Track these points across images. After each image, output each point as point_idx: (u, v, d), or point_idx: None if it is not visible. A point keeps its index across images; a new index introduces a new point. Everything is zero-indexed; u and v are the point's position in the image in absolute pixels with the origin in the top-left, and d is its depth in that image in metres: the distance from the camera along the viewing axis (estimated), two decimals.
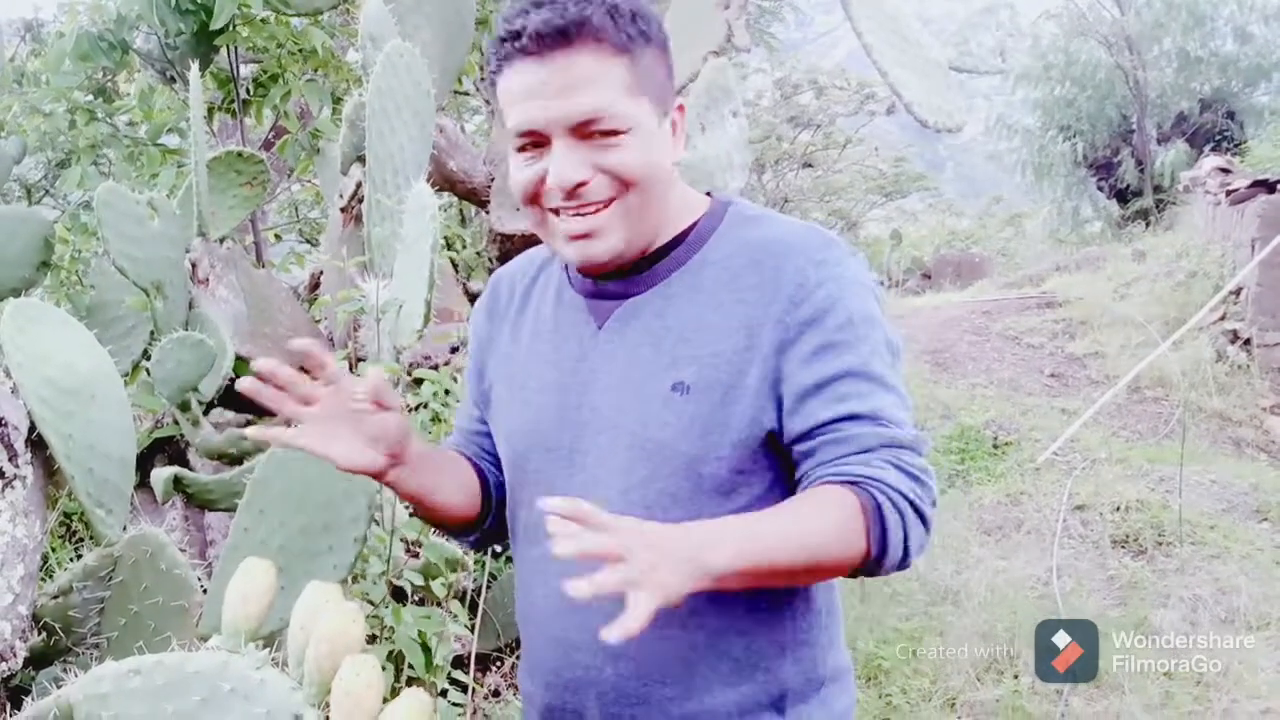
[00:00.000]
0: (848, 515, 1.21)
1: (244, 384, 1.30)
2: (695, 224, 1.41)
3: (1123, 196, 18.38)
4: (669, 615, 1.30)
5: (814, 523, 1.21)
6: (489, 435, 1.59)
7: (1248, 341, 8.24)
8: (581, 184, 1.30)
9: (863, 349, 1.30)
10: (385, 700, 1.09)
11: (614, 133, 1.30)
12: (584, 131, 1.29)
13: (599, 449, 1.39)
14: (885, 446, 1.26)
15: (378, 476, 1.41)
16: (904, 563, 1.26)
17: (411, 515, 2.43)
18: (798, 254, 1.33)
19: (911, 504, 1.24)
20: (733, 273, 1.35)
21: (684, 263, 1.39)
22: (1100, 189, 19.13)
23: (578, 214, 1.33)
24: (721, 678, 1.36)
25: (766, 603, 1.36)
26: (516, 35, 1.29)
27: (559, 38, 1.27)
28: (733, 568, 1.14)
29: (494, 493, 1.58)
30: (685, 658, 1.36)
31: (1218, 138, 17.34)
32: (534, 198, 1.35)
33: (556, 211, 1.34)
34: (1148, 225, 15.94)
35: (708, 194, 1.48)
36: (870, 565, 1.25)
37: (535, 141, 1.32)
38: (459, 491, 1.54)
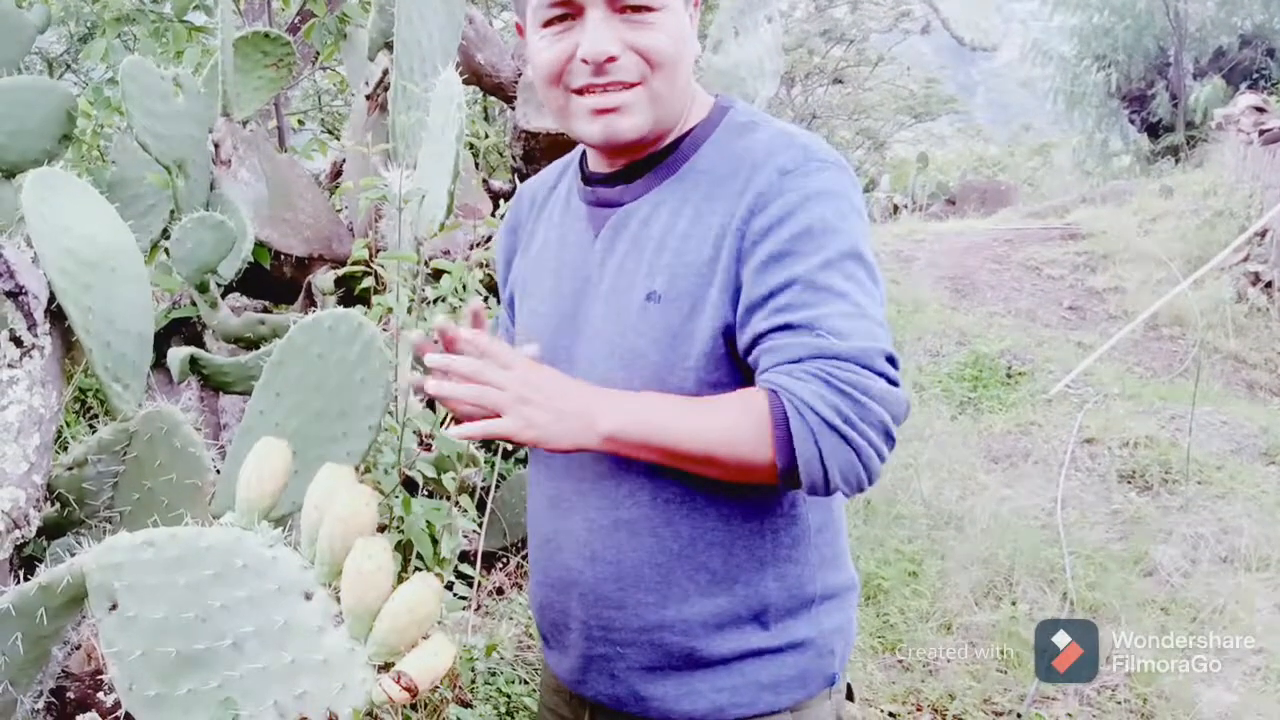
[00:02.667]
0: (754, 418, 1.20)
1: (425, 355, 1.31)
2: (692, 130, 1.41)
3: (1154, 131, 18.14)
4: (643, 522, 1.36)
5: (717, 417, 1.22)
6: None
7: (1269, 284, 8.18)
8: (612, 59, 1.29)
9: (814, 259, 1.24)
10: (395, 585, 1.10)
11: (648, 9, 1.29)
12: (619, 4, 1.29)
13: (587, 356, 1.40)
14: (815, 358, 1.20)
15: None
16: (827, 484, 1.19)
17: (425, 407, 2.44)
18: (768, 163, 1.31)
19: (828, 421, 1.17)
20: (714, 181, 1.35)
21: (675, 170, 1.39)
22: (1132, 122, 18.89)
23: (605, 91, 1.32)
24: (699, 588, 1.37)
25: (741, 515, 1.37)
26: None
27: None
28: (621, 433, 1.21)
29: None
30: (661, 565, 1.37)
31: (1255, 76, 17.06)
32: (558, 77, 1.34)
33: (581, 92, 1.33)
34: (1177, 161, 15.76)
35: (715, 97, 1.47)
36: (786, 478, 1.21)
37: (565, 14, 1.31)
38: None
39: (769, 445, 1.19)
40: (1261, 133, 8.92)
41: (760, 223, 1.27)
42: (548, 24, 1.33)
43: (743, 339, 1.27)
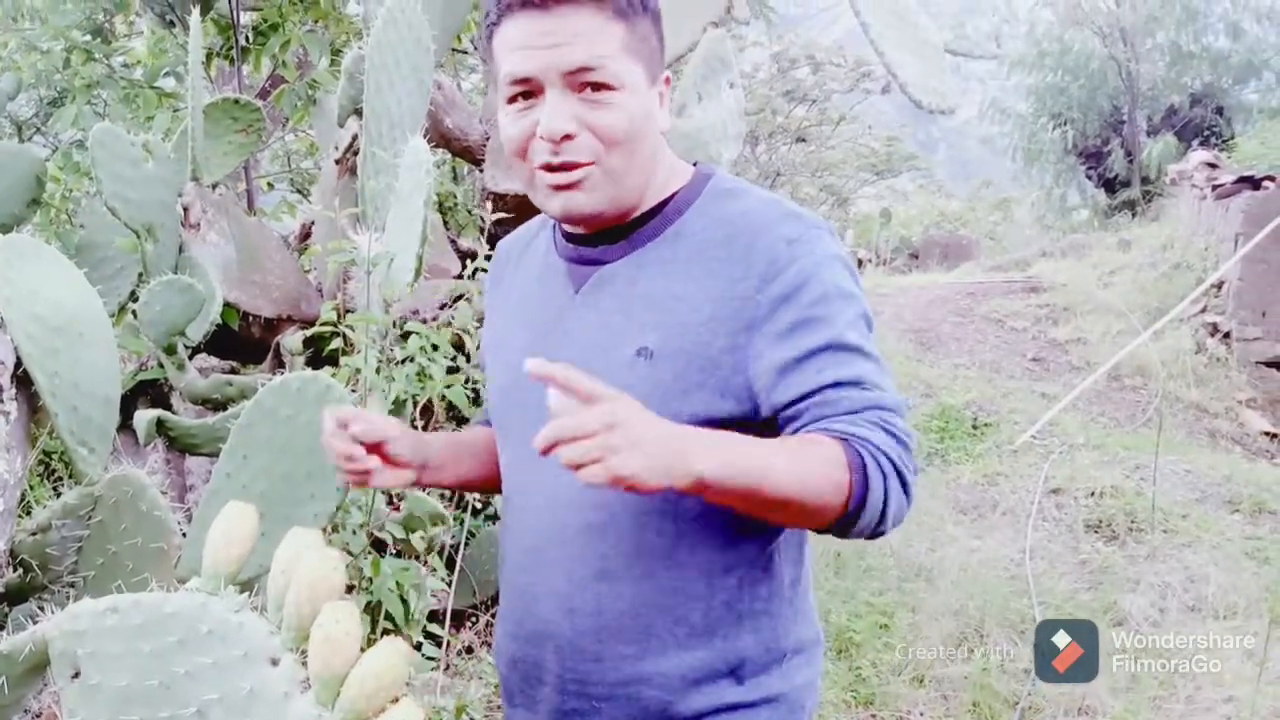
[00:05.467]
0: (832, 464, 1.21)
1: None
2: (675, 194, 1.43)
3: (1110, 186, 18.47)
4: (624, 573, 1.37)
5: (801, 461, 1.22)
6: None
7: (1227, 335, 8.31)
8: (568, 137, 1.32)
9: (838, 322, 1.31)
10: (362, 649, 1.09)
11: (606, 88, 1.32)
12: (577, 83, 1.31)
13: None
14: (871, 408, 1.27)
15: (416, 484, 1.59)
16: (878, 528, 1.25)
17: None
18: (769, 231, 1.34)
19: (896, 468, 1.24)
20: (705, 245, 1.37)
21: (660, 233, 1.41)
22: (1089, 177, 19.24)
23: (563, 169, 1.34)
24: (677, 642, 1.38)
25: (722, 568, 1.38)
26: None
27: None
28: (716, 475, 1.16)
29: None
30: (641, 617, 1.38)
31: (1206, 132, 17.44)
32: (523, 152, 1.37)
33: (543, 168, 1.35)
34: (1134, 215, 16.03)
35: (694, 164, 1.49)
36: (843, 523, 1.24)
37: (527, 92, 1.34)
38: (493, 468, 1.61)
39: (844, 489, 1.21)
40: (1214, 188, 9.10)
41: (776, 290, 1.31)
42: (511, 100, 1.35)
43: (778, 396, 1.30)
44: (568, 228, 1.48)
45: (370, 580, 2.38)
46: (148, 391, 3.22)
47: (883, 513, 1.24)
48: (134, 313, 2.83)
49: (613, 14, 1.32)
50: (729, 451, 1.20)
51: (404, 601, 2.44)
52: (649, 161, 1.40)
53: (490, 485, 1.67)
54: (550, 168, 1.34)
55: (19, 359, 1.84)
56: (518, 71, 1.32)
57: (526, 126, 1.34)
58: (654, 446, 1.15)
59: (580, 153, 1.33)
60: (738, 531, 1.38)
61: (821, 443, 1.24)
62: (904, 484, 1.25)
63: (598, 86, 1.31)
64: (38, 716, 1.98)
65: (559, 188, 1.35)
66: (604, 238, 1.43)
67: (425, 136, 2.38)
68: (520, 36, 1.32)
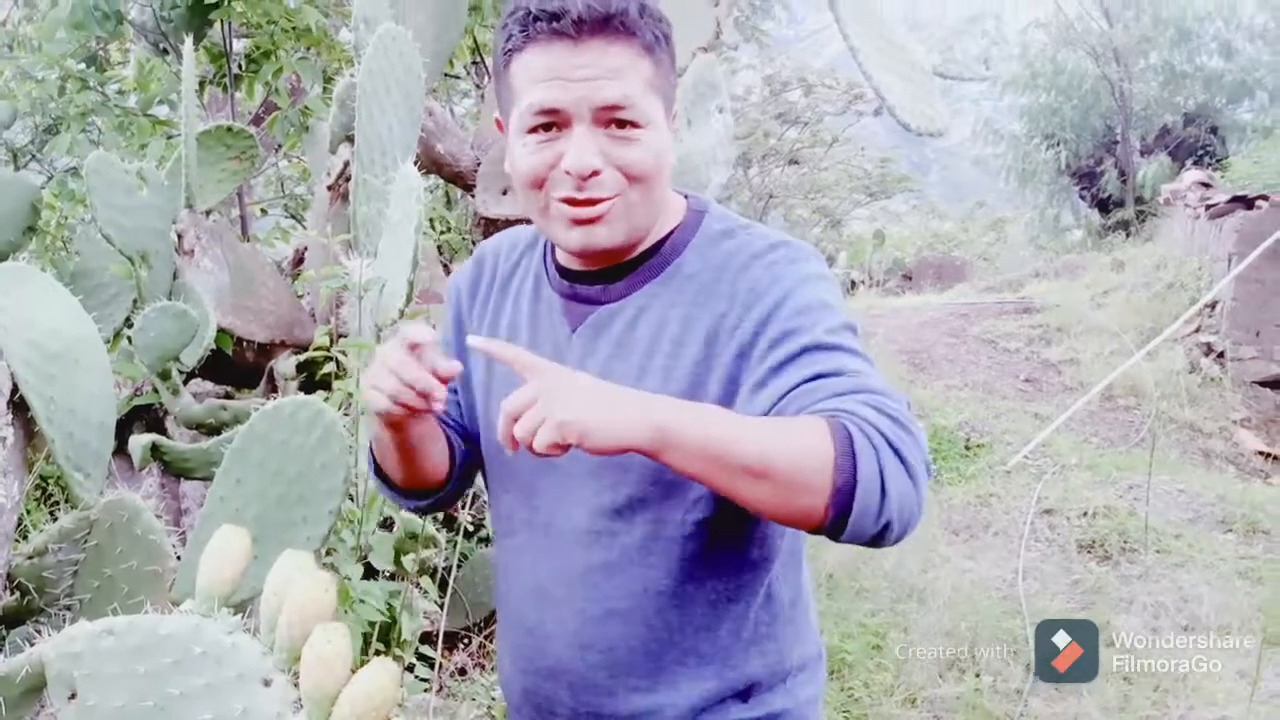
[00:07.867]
0: (814, 434, 1.13)
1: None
2: (671, 233, 1.41)
3: (1104, 206, 18.50)
4: (635, 612, 1.38)
5: (776, 428, 1.16)
6: (457, 404, 1.58)
7: (1221, 354, 8.33)
8: (595, 173, 1.29)
9: (817, 329, 1.27)
10: (354, 670, 1.11)
11: (633, 125, 1.30)
12: (606, 119, 1.29)
13: (570, 453, 1.39)
14: (858, 391, 1.19)
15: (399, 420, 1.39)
16: (880, 519, 1.12)
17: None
18: (754, 261, 1.34)
19: (890, 443, 1.13)
20: (700, 287, 1.36)
21: (657, 274, 1.39)
22: (1082, 198, 19.28)
23: (587, 204, 1.31)
24: (688, 671, 1.40)
25: (727, 598, 1.40)
26: (555, 16, 1.27)
27: (601, 25, 1.27)
28: (676, 426, 1.11)
29: (458, 458, 1.56)
30: (653, 653, 1.40)
31: (1200, 152, 17.45)
32: (540, 183, 1.33)
33: (561, 200, 1.32)
34: (1128, 235, 16.05)
35: (686, 196, 1.48)
36: (838, 508, 1.12)
37: (550, 124, 1.30)
38: (441, 452, 1.52)
39: (830, 462, 1.11)
40: (1208, 207, 9.13)
41: (758, 313, 1.30)
42: (532, 130, 1.32)
43: (762, 402, 1.25)
44: (564, 262, 1.45)
45: (361, 602, 2.39)
46: (143, 416, 3.24)
47: (882, 494, 1.11)
48: (129, 339, 2.85)
49: (641, 50, 1.30)
50: (691, 410, 1.16)
51: (393, 623, 2.45)
52: (664, 197, 1.39)
53: (426, 467, 1.52)
54: (574, 201, 1.31)
55: (15, 385, 1.86)
56: (546, 103, 1.29)
57: (548, 158, 1.31)
58: (600, 401, 1.12)
59: (605, 188, 1.30)
60: (740, 563, 1.40)
61: (805, 417, 1.17)
62: (905, 465, 1.13)
63: (624, 124, 1.29)
64: None
65: (580, 222, 1.32)
66: (602, 276, 1.41)
67: (417, 162, 2.40)
68: (549, 67, 1.28)
